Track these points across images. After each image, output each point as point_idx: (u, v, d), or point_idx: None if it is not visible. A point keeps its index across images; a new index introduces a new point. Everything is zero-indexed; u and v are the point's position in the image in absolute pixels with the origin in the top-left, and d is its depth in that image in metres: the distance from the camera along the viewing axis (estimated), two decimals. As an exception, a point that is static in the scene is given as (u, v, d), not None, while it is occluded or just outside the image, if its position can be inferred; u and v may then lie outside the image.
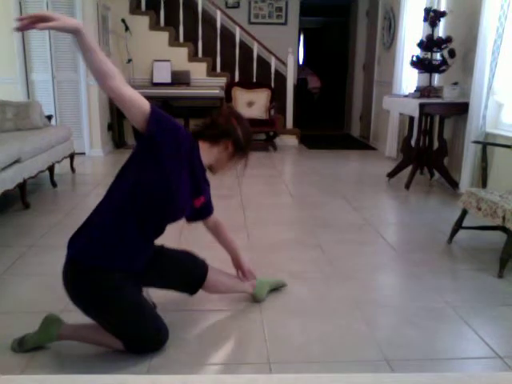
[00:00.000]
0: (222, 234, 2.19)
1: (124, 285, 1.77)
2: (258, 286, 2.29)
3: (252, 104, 6.46)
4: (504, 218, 2.52)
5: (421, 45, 4.49)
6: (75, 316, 2.05)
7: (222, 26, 6.87)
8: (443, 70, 4.45)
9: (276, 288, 2.38)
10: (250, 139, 1.95)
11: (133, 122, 1.66)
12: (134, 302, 1.81)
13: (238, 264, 2.25)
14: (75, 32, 1.47)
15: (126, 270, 1.79)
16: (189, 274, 2.07)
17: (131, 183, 1.71)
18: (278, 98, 6.70)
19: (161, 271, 2.00)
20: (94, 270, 1.73)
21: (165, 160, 1.69)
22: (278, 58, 6.92)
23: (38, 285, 2.43)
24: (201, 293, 2.34)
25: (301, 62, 11.04)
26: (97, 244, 1.74)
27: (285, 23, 7.80)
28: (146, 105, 1.64)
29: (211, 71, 6.83)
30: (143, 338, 1.81)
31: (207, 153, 1.88)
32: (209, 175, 1.99)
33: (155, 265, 1.96)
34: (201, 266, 2.09)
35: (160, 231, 1.87)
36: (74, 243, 1.77)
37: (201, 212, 2.02)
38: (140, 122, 1.64)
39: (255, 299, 2.27)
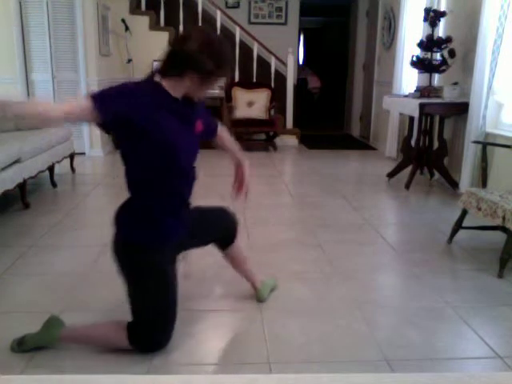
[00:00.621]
0: (226, 142, 2.14)
1: (160, 261, 1.80)
2: (262, 286, 2.30)
3: (252, 104, 6.46)
4: (504, 218, 2.52)
5: (421, 45, 4.48)
6: (76, 316, 2.05)
7: (222, 26, 6.86)
8: (443, 70, 4.45)
9: (273, 289, 2.38)
10: (222, 60, 1.71)
11: (93, 122, 1.63)
12: (164, 285, 1.82)
13: (240, 172, 2.14)
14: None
15: (164, 244, 1.83)
16: (226, 229, 2.15)
17: (131, 168, 1.75)
18: (278, 98, 6.70)
19: (202, 235, 2.06)
20: (134, 246, 1.79)
21: (140, 124, 1.64)
22: (278, 58, 6.92)
23: (38, 285, 2.43)
24: (201, 293, 2.34)
25: (301, 62, 11.04)
26: (132, 225, 1.80)
27: (285, 23, 7.80)
28: (85, 101, 1.55)
29: (211, 71, 6.82)
30: (154, 323, 1.81)
31: (175, 89, 1.71)
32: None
33: (196, 229, 1.99)
34: (234, 219, 2.18)
35: (187, 179, 1.85)
36: (116, 220, 1.82)
37: (207, 133, 1.97)
38: (94, 116, 1.58)
39: (258, 298, 2.28)
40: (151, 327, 1.82)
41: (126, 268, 1.81)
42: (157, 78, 1.72)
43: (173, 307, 1.85)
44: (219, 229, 2.14)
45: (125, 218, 1.82)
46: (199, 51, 1.64)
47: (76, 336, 1.88)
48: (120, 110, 1.60)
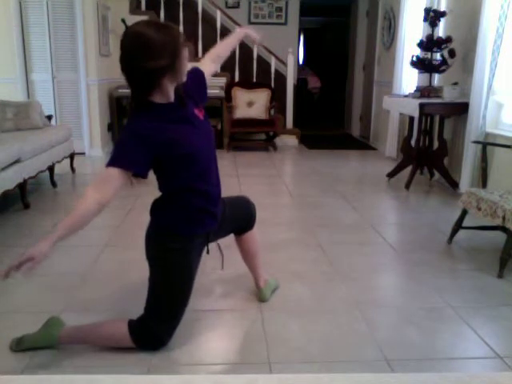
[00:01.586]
0: (223, 52, 2.18)
1: (188, 252, 1.85)
2: (265, 286, 2.31)
3: (252, 104, 6.46)
4: (504, 217, 2.52)
5: (421, 45, 4.49)
6: (76, 316, 2.05)
7: (222, 26, 6.86)
8: (443, 70, 4.45)
9: (275, 289, 2.39)
10: (175, 43, 1.61)
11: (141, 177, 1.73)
12: (184, 277, 1.86)
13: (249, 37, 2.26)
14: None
15: (194, 234, 1.87)
16: (248, 218, 2.24)
17: (162, 179, 1.84)
18: (278, 98, 6.70)
19: (228, 225, 2.12)
20: (166, 232, 1.84)
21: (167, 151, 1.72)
22: (277, 58, 6.92)
23: (38, 285, 2.42)
24: (201, 292, 2.34)
25: (301, 61, 11.04)
26: (165, 213, 1.86)
27: (285, 23, 7.80)
28: (112, 171, 1.74)
29: (211, 71, 6.82)
30: (162, 314, 1.84)
31: (164, 96, 1.71)
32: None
33: (223, 220, 2.04)
34: (254, 206, 2.29)
35: (212, 176, 1.92)
36: (152, 209, 1.90)
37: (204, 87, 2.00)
38: (129, 175, 1.72)
39: (260, 298, 2.28)
40: (158, 320, 1.82)
41: (154, 253, 1.85)
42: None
43: (184, 303, 1.87)
44: (242, 217, 2.22)
45: (159, 207, 1.88)
46: (154, 60, 1.57)
47: (76, 336, 1.88)
48: (146, 157, 1.70)
